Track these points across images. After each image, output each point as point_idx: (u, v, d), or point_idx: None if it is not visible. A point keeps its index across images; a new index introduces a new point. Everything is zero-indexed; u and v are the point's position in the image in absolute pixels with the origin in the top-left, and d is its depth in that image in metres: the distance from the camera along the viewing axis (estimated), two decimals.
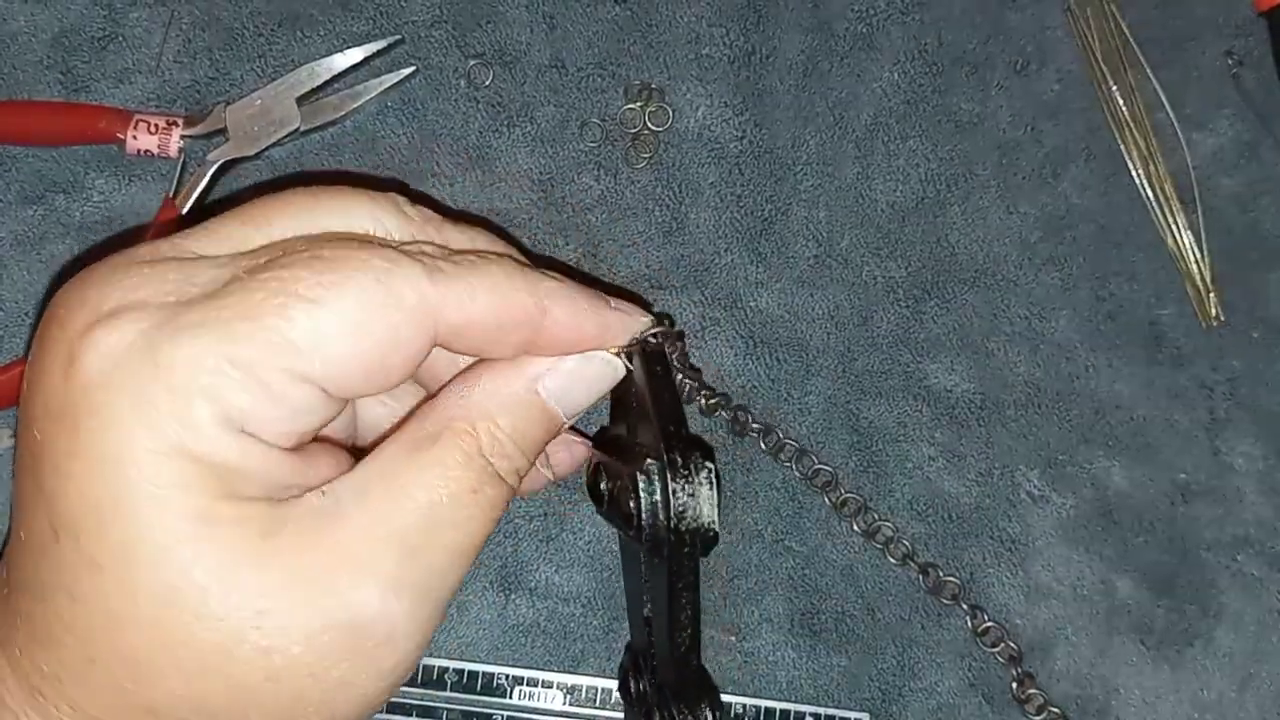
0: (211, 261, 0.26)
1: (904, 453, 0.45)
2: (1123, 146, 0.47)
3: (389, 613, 0.26)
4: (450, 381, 0.30)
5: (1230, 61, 0.47)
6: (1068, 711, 0.43)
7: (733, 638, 0.44)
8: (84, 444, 0.24)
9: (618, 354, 0.31)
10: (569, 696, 0.44)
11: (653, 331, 0.32)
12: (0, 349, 0.45)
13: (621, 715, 0.42)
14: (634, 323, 0.31)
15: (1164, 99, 0.47)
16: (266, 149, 0.45)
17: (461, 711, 0.43)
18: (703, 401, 0.36)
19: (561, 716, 0.43)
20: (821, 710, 0.44)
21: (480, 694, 0.43)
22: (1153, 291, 0.46)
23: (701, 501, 0.30)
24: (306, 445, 0.27)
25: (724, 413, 0.37)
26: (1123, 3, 0.47)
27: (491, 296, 0.27)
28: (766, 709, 0.44)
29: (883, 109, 0.47)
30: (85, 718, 0.25)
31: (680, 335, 0.33)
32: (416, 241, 0.28)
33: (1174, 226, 0.46)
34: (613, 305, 0.31)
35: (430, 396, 0.30)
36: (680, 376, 0.34)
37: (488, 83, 0.47)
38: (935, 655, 0.44)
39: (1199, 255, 0.46)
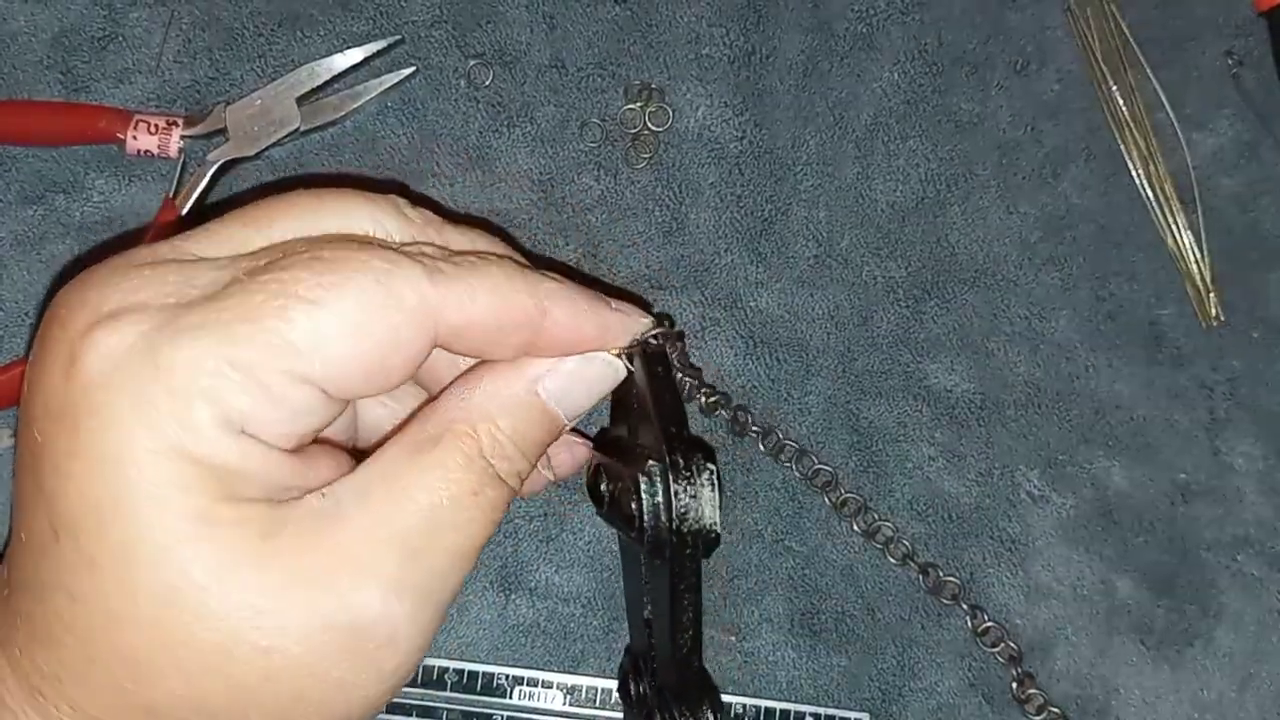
0: (212, 263, 0.26)
1: (904, 453, 0.45)
2: (1123, 146, 0.47)
3: (390, 614, 0.26)
4: (451, 384, 0.30)
5: (1230, 61, 0.47)
6: (1068, 711, 0.43)
7: (733, 638, 0.44)
8: (84, 444, 0.24)
9: (618, 355, 0.31)
10: (569, 696, 0.44)
11: (653, 333, 0.32)
12: (0, 349, 0.45)
13: (621, 716, 0.42)
14: (634, 324, 0.31)
15: (1164, 99, 0.47)
16: (266, 149, 0.45)
17: (461, 711, 0.43)
18: (703, 400, 0.36)
19: (561, 716, 0.43)
20: (821, 710, 0.44)
21: (480, 694, 0.43)
22: (1153, 291, 0.46)
23: (703, 503, 0.30)
24: (307, 447, 0.27)
25: (724, 412, 0.37)
26: (1123, 3, 0.47)
27: (492, 297, 0.27)
28: (766, 709, 0.44)
29: (883, 109, 0.47)
30: (85, 717, 0.25)
31: (680, 335, 0.33)
32: (416, 243, 0.29)
33: (1174, 226, 0.46)
34: (613, 306, 0.31)
35: (431, 399, 0.30)
36: (681, 375, 0.34)
37: (488, 83, 0.47)
38: (935, 655, 0.44)
39: (1199, 255, 0.46)
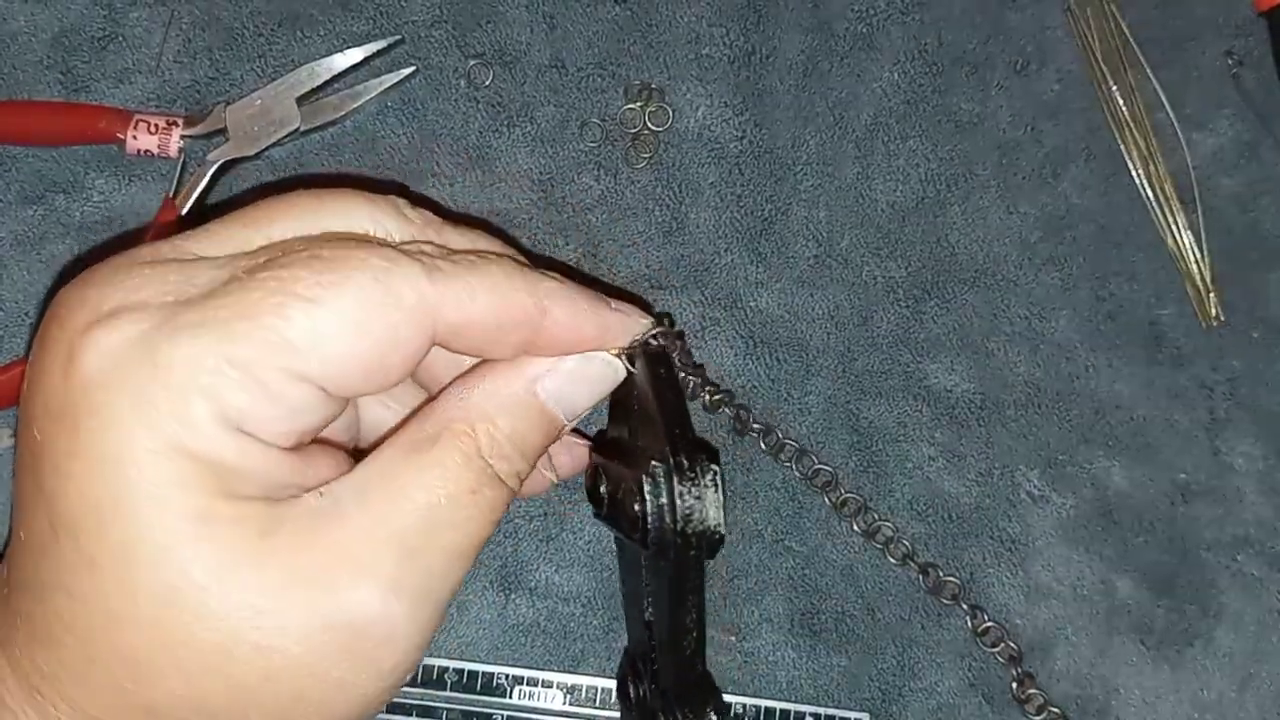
0: (211, 262, 0.26)
1: (904, 453, 0.45)
2: (1123, 146, 0.47)
3: (388, 614, 0.26)
4: (450, 383, 0.30)
5: (1230, 61, 0.47)
6: (1068, 711, 0.43)
7: (733, 638, 0.44)
8: (84, 444, 0.24)
9: (618, 355, 0.31)
10: (569, 696, 0.44)
11: (653, 333, 0.32)
12: (0, 349, 0.45)
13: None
14: (634, 324, 0.31)
15: (1164, 99, 0.47)
16: (266, 149, 0.45)
17: (461, 711, 0.43)
18: (706, 398, 0.36)
19: (561, 716, 0.43)
20: (821, 710, 0.44)
21: (480, 694, 0.43)
22: (1153, 291, 0.46)
23: (707, 504, 0.30)
24: (306, 446, 0.27)
25: (727, 410, 0.37)
26: (1123, 3, 0.47)
27: (491, 296, 0.27)
28: (766, 709, 0.44)
29: (883, 109, 0.47)
30: (85, 717, 0.25)
31: (680, 335, 0.33)
32: (416, 242, 0.29)
33: (1174, 226, 0.46)
34: (613, 306, 0.31)
35: (431, 398, 0.30)
36: (684, 374, 0.34)
37: (488, 83, 0.47)
38: (935, 655, 0.44)
39: (1199, 255, 0.46)
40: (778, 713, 0.43)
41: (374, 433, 0.33)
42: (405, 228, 0.29)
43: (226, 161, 0.45)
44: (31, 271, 0.45)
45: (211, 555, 0.24)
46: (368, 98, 0.46)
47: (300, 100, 0.45)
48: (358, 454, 0.29)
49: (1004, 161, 0.47)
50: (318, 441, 0.28)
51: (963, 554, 0.45)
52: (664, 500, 0.30)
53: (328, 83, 0.46)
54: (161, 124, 0.45)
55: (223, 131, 0.45)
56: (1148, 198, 0.47)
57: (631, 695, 0.36)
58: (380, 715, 0.43)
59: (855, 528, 0.44)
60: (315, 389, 0.25)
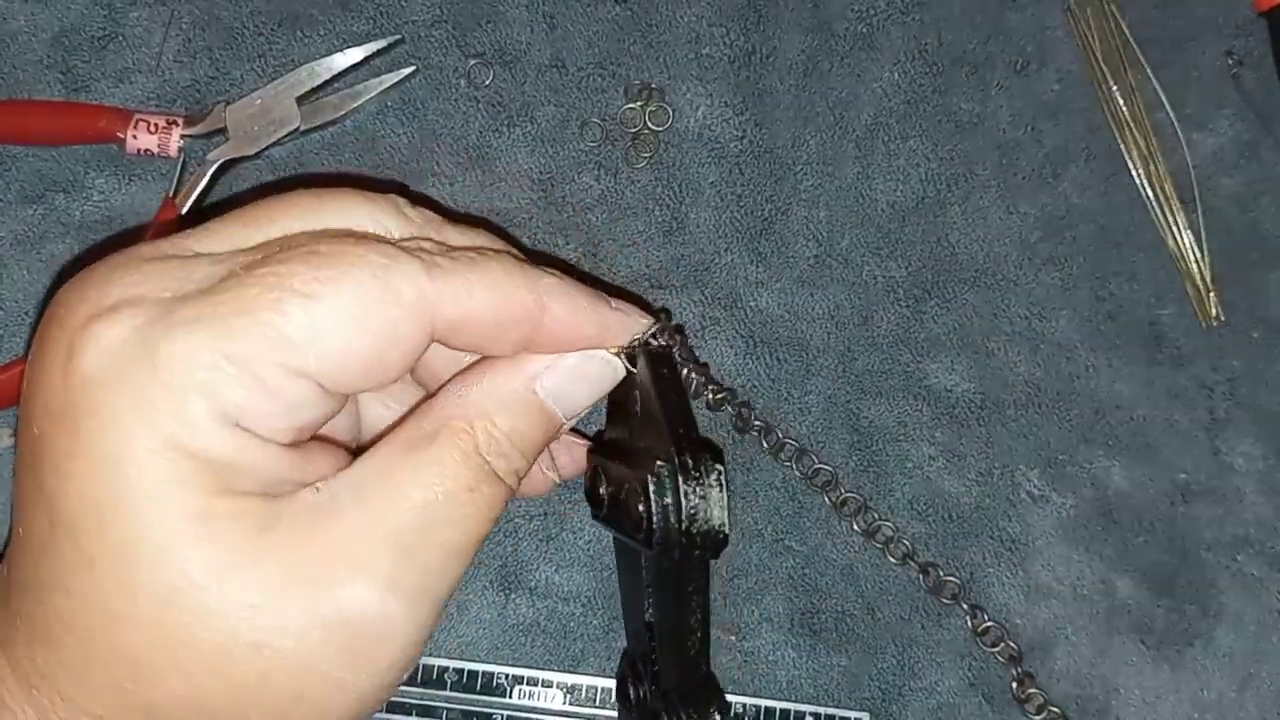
0: (210, 259, 0.26)
1: (904, 452, 0.45)
2: (1123, 146, 0.47)
3: (386, 611, 0.25)
4: (449, 381, 0.30)
5: (1230, 61, 0.48)
6: (1068, 711, 0.43)
7: (733, 637, 0.44)
8: (83, 444, 0.24)
9: (617, 354, 0.31)
10: (569, 696, 0.44)
11: (654, 331, 0.32)
12: (0, 349, 0.45)
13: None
14: (634, 323, 0.31)
15: (1164, 99, 0.47)
16: (266, 149, 0.45)
17: (461, 711, 0.43)
18: (709, 396, 0.36)
19: (561, 716, 0.43)
20: (821, 710, 0.44)
21: (480, 693, 0.43)
22: (1153, 291, 0.46)
23: (712, 504, 0.30)
24: (306, 443, 0.27)
25: (730, 408, 0.37)
26: (1123, 3, 0.47)
27: (490, 292, 0.27)
28: (766, 708, 0.44)
29: (883, 109, 0.47)
30: (85, 717, 0.25)
31: (680, 329, 0.33)
32: (415, 239, 0.28)
33: (1174, 226, 0.46)
34: (613, 305, 0.31)
35: (429, 396, 0.30)
36: (686, 371, 0.34)
37: (488, 82, 0.47)
38: (935, 655, 0.44)
39: (1199, 255, 0.46)
40: (778, 712, 0.43)
41: (375, 431, 0.33)
42: (405, 226, 0.29)
43: (226, 161, 0.45)
44: (31, 271, 0.45)
45: (210, 554, 0.24)
46: (368, 97, 0.46)
47: (300, 100, 0.45)
48: (359, 453, 0.29)
49: (1004, 161, 0.47)
50: (318, 439, 0.28)
51: (963, 554, 0.45)
52: (669, 500, 0.30)
53: (328, 82, 0.46)
54: (161, 123, 0.45)
55: (223, 131, 0.45)
56: (1148, 198, 0.47)
57: (631, 697, 0.36)
58: (380, 715, 0.43)
59: (855, 527, 0.44)
60: (313, 385, 0.25)
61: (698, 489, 0.30)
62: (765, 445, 0.42)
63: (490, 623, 0.44)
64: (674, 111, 0.47)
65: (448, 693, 0.43)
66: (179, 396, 0.24)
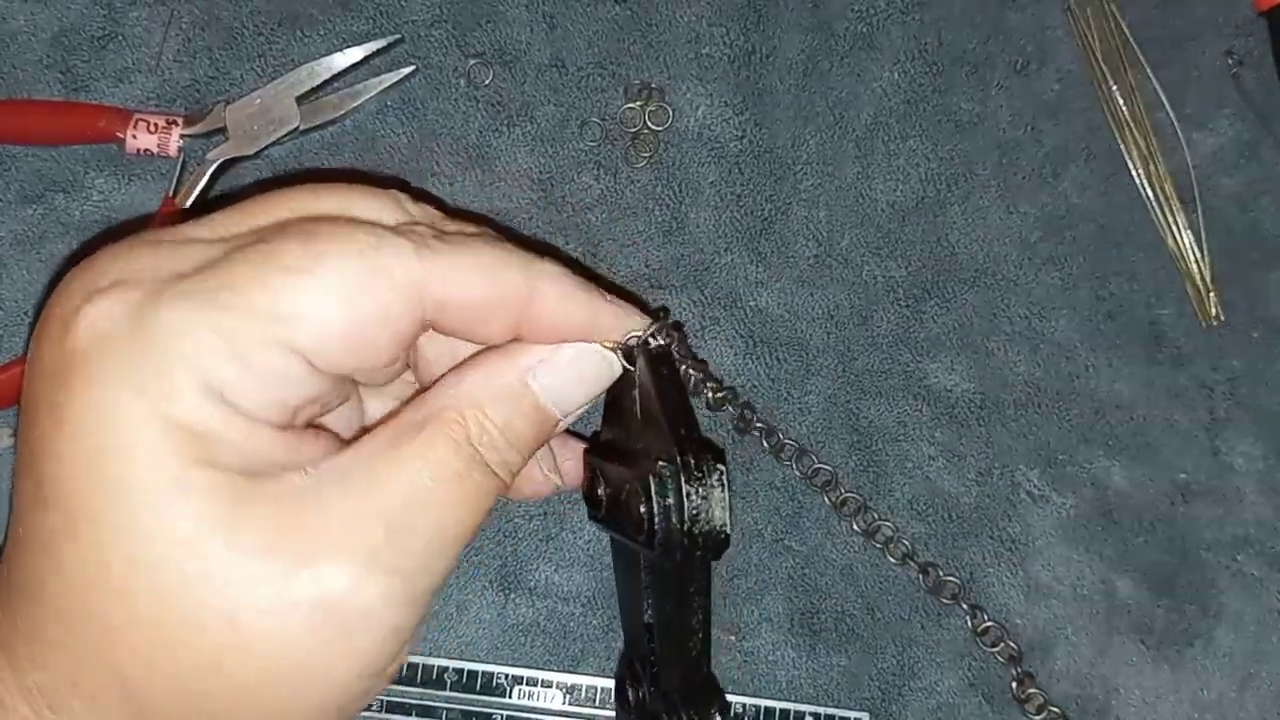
0: (206, 243, 0.26)
1: (904, 452, 0.45)
2: (1123, 146, 0.47)
3: (362, 592, 0.25)
4: (444, 374, 0.30)
5: (1230, 61, 0.48)
6: (1068, 711, 0.43)
7: (733, 637, 0.44)
8: (70, 410, 0.24)
9: (614, 350, 0.31)
10: (569, 696, 0.44)
11: (654, 329, 0.32)
12: (0, 348, 0.45)
13: None
14: (628, 318, 0.31)
15: (1164, 99, 0.47)
16: (266, 148, 0.45)
17: (461, 711, 0.43)
18: (710, 395, 0.36)
19: (561, 716, 0.43)
20: (821, 710, 0.43)
21: (480, 693, 0.43)
22: (1153, 291, 0.46)
23: (714, 504, 0.30)
24: (300, 430, 0.27)
25: (731, 408, 0.37)
26: (1123, 2, 0.47)
27: (479, 273, 0.27)
28: (766, 708, 0.43)
29: (883, 109, 0.47)
30: (63, 685, 0.25)
31: (679, 325, 0.33)
32: (410, 221, 0.28)
33: (1174, 226, 0.46)
34: (607, 298, 0.31)
35: (423, 388, 0.30)
36: (685, 368, 0.34)
37: (488, 82, 0.47)
38: (935, 655, 0.44)
39: (1199, 255, 0.46)
40: (778, 712, 0.43)
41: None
42: (403, 219, 0.29)
43: (226, 160, 0.45)
44: (31, 271, 0.45)
45: (186, 523, 0.24)
46: (367, 97, 0.46)
47: (300, 99, 0.45)
48: None
49: (1004, 161, 0.47)
50: (316, 429, 0.28)
51: (963, 554, 0.45)
52: (670, 501, 0.30)
53: (327, 82, 0.46)
54: (161, 123, 0.45)
55: (222, 130, 0.45)
56: (1148, 198, 0.47)
57: (630, 698, 0.36)
58: (380, 715, 0.43)
59: (855, 527, 0.44)
60: (300, 361, 0.25)
61: (700, 489, 0.30)
62: (766, 445, 0.42)
63: (490, 623, 0.44)
64: (674, 111, 0.47)
65: (448, 693, 0.43)
66: (165, 367, 0.24)
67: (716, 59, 0.47)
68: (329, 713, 0.26)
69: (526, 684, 0.44)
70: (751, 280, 0.46)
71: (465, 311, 0.27)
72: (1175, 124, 0.47)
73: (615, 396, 0.33)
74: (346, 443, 0.28)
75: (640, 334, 0.31)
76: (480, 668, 0.43)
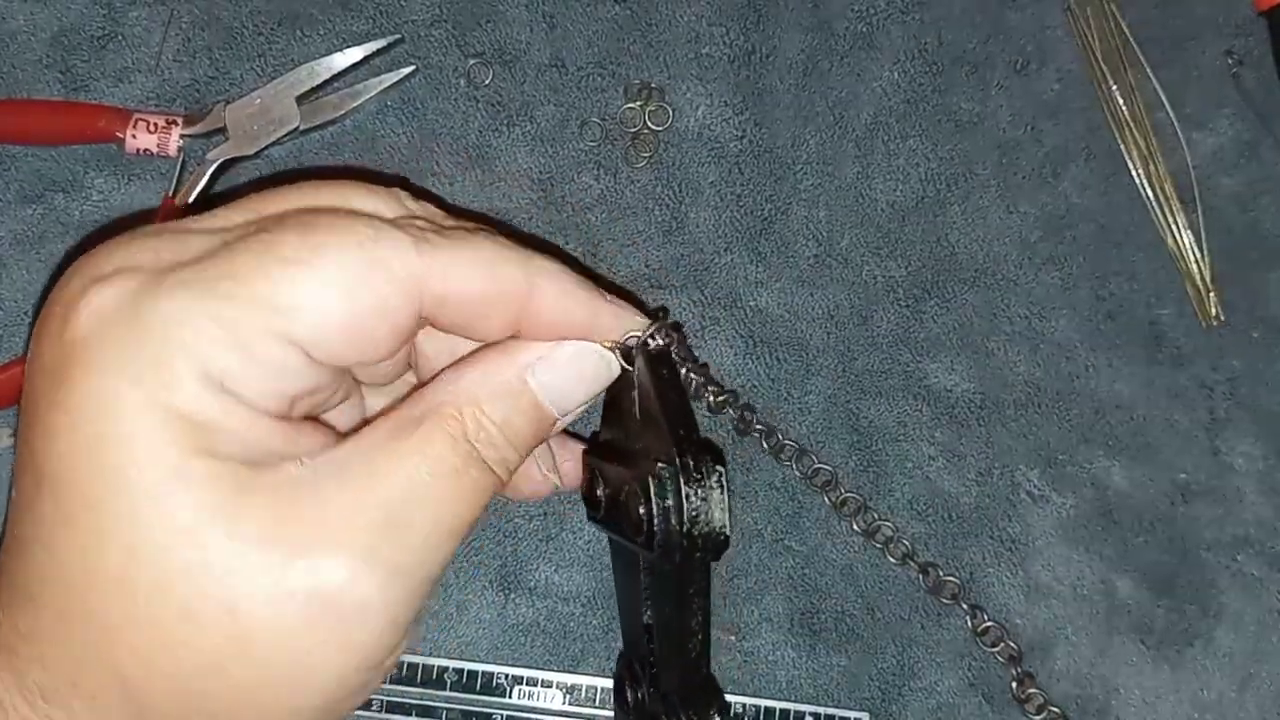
0: (207, 233, 0.26)
1: (904, 452, 0.45)
2: (1123, 146, 0.47)
3: (359, 584, 0.25)
4: (442, 370, 0.30)
5: (1230, 61, 0.47)
6: (1068, 711, 0.43)
7: (733, 637, 0.44)
8: (69, 398, 0.24)
9: (613, 349, 0.31)
10: (569, 696, 0.44)
11: (654, 330, 0.32)
12: (0, 348, 0.45)
13: None
14: (627, 318, 0.31)
15: (1164, 99, 0.47)
16: (266, 148, 0.45)
17: (461, 711, 0.43)
18: (711, 399, 0.36)
19: (561, 716, 0.43)
20: (821, 710, 0.43)
21: (480, 693, 0.43)
22: (1153, 291, 0.46)
23: (713, 506, 0.30)
24: (298, 422, 0.27)
25: (731, 411, 0.37)
26: (1123, 2, 0.47)
27: (478, 268, 0.27)
28: (766, 708, 0.43)
29: (883, 108, 0.47)
30: (60, 682, 0.25)
31: (678, 326, 0.33)
32: (410, 215, 0.28)
33: (1174, 226, 0.46)
34: (607, 298, 0.31)
35: (422, 384, 0.30)
36: (686, 370, 0.34)
37: (487, 82, 0.47)
38: (935, 655, 0.44)
39: (1199, 255, 0.46)
40: (778, 712, 0.43)
41: None
42: (403, 216, 0.29)
43: (226, 160, 0.45)
44: (31, 271, 0.45)
45: (184, 511, 0.24)
46: (367, 97, 0.46)
47: (300, 99, 0.45)
48: None
49: (1004, 161, 0.47)
50: (316, 422, 0.28)
51: (963, 554, 0.45)
52: (670, 502, 0.30)
53: (327, 82, 0.46)
54: (161, 123, 0.45)
55: (222, 130, 0.45)
56: (1148, 197, 0.47)
57: (629, 699, 0.36)
58: (380, 715, 0.43)
59: (855, 527, 0.44)
60: (298, 352, 0.25)
61: (699, 491, 0.30)
62: (765, 446, 0.42)
63: (490, 623, 0.44)
64: (674, 111, 0.47)
65: (448, 693, 0.43)
66: (164, 355, 0.24)
67: (716, 59, 0.47)
68: (327, 706, 0.26)
69: (526, 684, 0.44)
70: (751, 280, 0.46)
71: (464, 306, 0.28)
72: (1175, 124, 0.47)
73: (614, 397, 0.33)
74: (344, 436, 0.28)
75: (639, 334, 0.31)
76: (480, 668, 0.43)
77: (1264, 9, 0.47)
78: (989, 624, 0.44)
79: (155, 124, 0.45)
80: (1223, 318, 0.46)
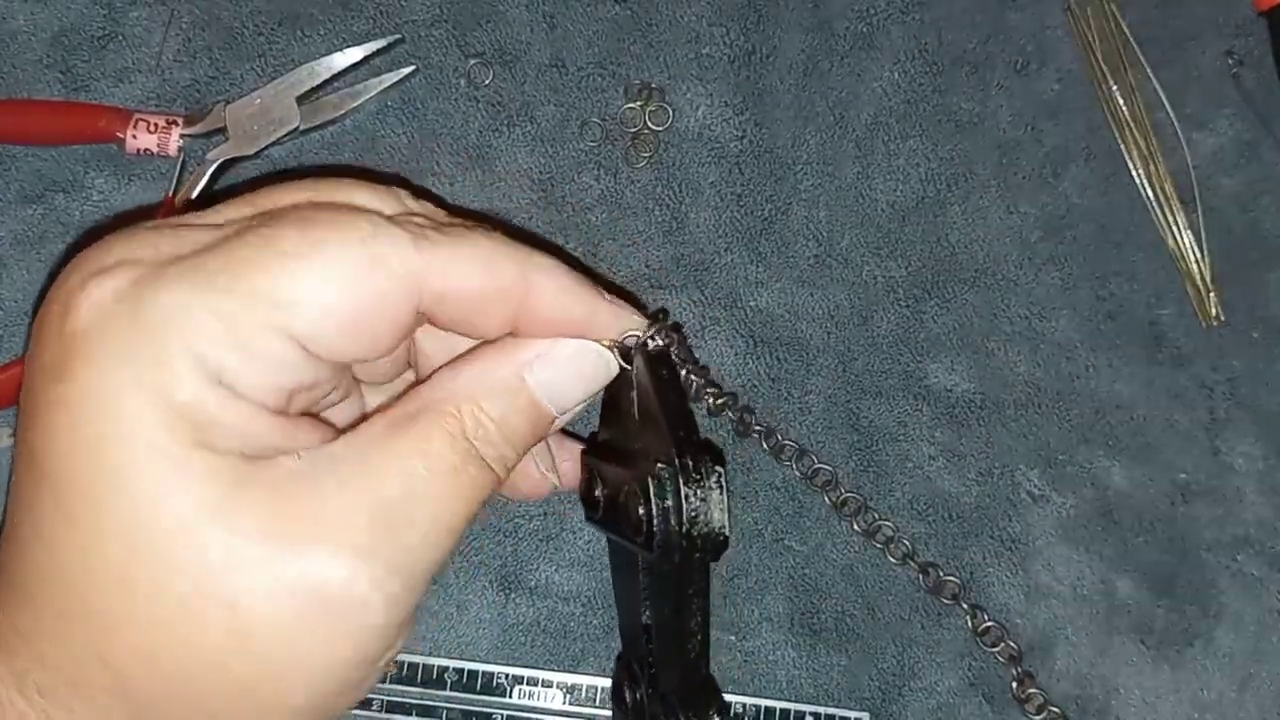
0: (207, 227, 0.26)
1: (904, 452, 0.45)
2: (1123, 146, 0.47)
3: (356, 580, 0.25)
4: (440, 368, 0.30)
5: (1230, 61, 0.48)
6: (1068, 711, 0.43)
7: (733, 637, 0.44)
8: (68, 393, 0.24)
9: (611, 348, 0.31)
10: (569, 696, 0.44)
11: (654, 331, 0.32)
12: (0, 348, 0.45)
13: None
14: (626, 317, 0.31)
15: (1164, 99, 0.47)
16: (266, 148, 0.45)
17: (461, 711, 0.43)
18: (710, 401, 0.36)
19: (561, 716, 0.43)
20: (821, 710, 0.43)
21: (480, 693, 0.43)
22: (1153, 291, 0.46)
23: (712, 506, 0.30)
24: (297, 417, 0.27)
25: (731, 413, 0.37)
26: (1123, 2, 0.47)
27: (476, 264, 0.27)
28: (766, 708, 0.43)
29: (883, 108, 0.47)
30: (59, 680, 0.25)
31: (677, 327, 0.33)
32: (408, 212, 0.29)
33: (1174, 226, 0.46)
34: (605, 296, 0.31)
35: (419, 381, 0.30)
36: (685, 372, 0.34)
37: (488, 82, 0.47)
38: (935, 655, 0.44)
39: (1199, 255, 0.46)
40: (778, 712, 0.43)
41: None
42: (402, 213, 0.29)
43: (226, 160, 0.45)
44: (31, 271, 0.45)
45: (183, 505, 0.24)
46: (367, 97, 0.46)
47: (300, 99, 0.45)
48: None
49: (1004, 161, 0.47)
50: (314, 418, 0.28)
51: (963, 554, 0.45)
52: (669, 503, 0.30)
53: (327, 82, 0.46)
54: (161, 123, 0.45)
55: (222, 130, 0.45)
56: (1148, 197, 0.47)
57: (627, 700, 0.36)
58: (380, 715, 0.43)
59: (855, 527, 0.44)
60: (297, 346, 0.25)
61: (698, 491, 0.30)
62: (766, 446, 0.42)
63: (490, 623, 0.44)
64: (674, 111, 0.47)
65: (448, 693, 0.43)
66: (163, 348, 0.24)
67: (716, 59, 0.47)
68: (325, 702, 0.26)
69: (527, 684, 0.44)
70: (751, 280, 0.46)
71: (462, 302, 0.28)
72: (1175, 124, 0.47)
73: (613, 397, 0.33)
74: (342, 432, 0.28)
75: (638, 334, 0.31)
76: (480, 668, 0.43)
77: (1264, 9, 0.47)
78: (989, 624, 0.44)
79: (155, 124, 0.45)
80: (1223, 318, 0.46)
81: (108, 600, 0.24)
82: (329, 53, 0.46)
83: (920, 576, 0.44)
